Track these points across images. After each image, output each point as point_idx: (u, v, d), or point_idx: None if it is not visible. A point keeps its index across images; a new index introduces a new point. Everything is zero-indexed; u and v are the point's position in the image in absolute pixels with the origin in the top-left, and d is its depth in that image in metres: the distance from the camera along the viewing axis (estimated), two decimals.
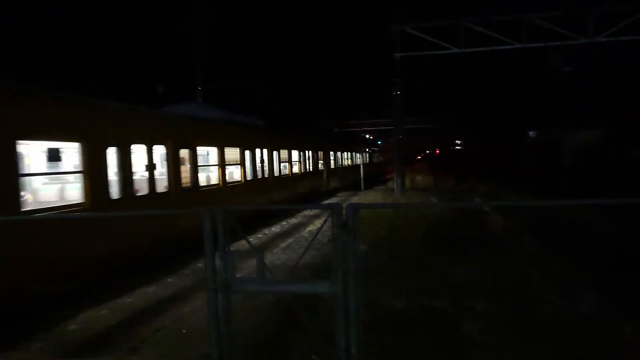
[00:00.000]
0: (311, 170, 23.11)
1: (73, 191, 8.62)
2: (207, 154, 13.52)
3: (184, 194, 11.04)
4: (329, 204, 12.51)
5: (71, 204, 8.08)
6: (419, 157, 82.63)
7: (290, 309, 4.04)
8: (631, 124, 42.55)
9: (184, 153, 11.36)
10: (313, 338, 3.95)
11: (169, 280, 8.77)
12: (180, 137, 11.22)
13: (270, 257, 9.86)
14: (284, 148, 19.01)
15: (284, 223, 15.25)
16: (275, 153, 17.71)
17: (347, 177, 30.87)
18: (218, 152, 13.12)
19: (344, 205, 3.84)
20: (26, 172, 7.99)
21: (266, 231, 13.89)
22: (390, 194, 23.91)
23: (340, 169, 30.25)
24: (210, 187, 12.67)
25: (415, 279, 7.57)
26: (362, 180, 29.26)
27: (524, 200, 17.59)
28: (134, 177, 9.37)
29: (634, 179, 23.35)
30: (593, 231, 11.08)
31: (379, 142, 65.68)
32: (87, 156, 8.11)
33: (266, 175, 16.55)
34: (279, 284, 4.17)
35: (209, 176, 13.01)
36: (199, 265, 8.70)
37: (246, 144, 15.05)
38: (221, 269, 4.02)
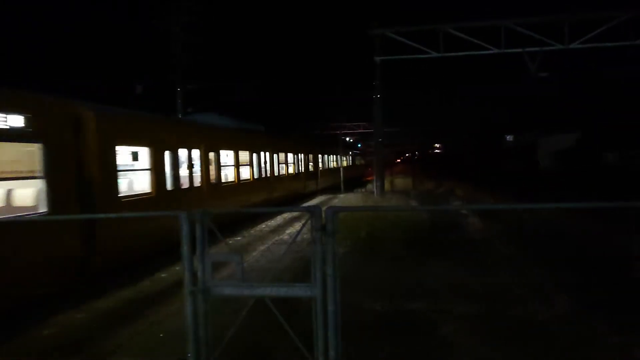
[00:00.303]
0: (303, 171, 24.84)
1: (144, 184, 10.69)
2: (227, 156, 15.36)
3: (211, 188, 13.23)
4: (308, 206, 12.53)
5: (144, 193, 10.36)
6: (399, 160, 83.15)
7: (269, 312, 4.01)
8: (604, 127, 43.59)
9: (211, 155, 13.61)
10: (292, 342, 3.94)
11: (146, 283, 8.66)
12: (209, 143, 13.44)
13: (250, 260, 9.82)
14: (281, 151, 20.97)
15: (263, 226, 15.19)
16: (275, 156, 19.65)
17: (333, 178, 31.78)
18: (234, 155, 15.37)
19: (324, 209, 3.84)
20: (121, 168, 10.07)
21: (245, 233, 13.82)
22: (370, 196, 24.00)
23: (328, 171, 31.54)
24: (228, 183, 15.02)
25: (394, 281, 7.61)
26: (341, 183, 29.48)
27: (498, 203, 17.85)
28: (180, 174, 11.48)
29: (606, 181, 23.91)
30: (564, 232, 11.31)
31: (359, 145, 65.95)
32: (153, 158, 10.39)
33: (268, 175, 18.58)
34: (257, 287, 4.13)
35: (227, 174, 15.20)
36: (177, 268, 8.61)
37: (253, 148, 17.14)
38: (199, 272, 3.98)
